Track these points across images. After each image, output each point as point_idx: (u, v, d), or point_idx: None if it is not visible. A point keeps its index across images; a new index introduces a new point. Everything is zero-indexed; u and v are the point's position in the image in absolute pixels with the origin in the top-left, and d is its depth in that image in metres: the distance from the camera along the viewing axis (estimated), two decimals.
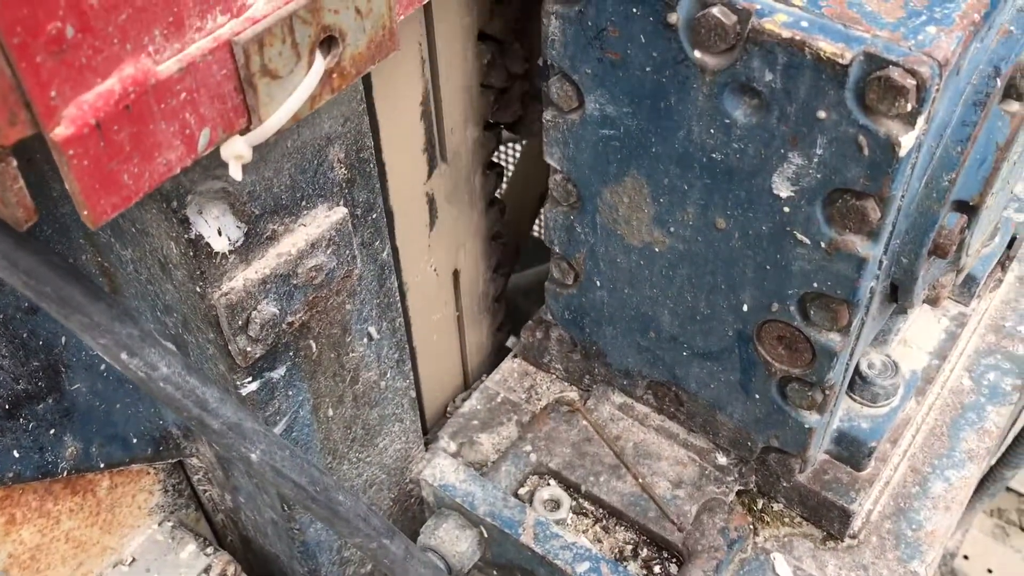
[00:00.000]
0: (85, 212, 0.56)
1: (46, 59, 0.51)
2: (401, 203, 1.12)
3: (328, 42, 0.65)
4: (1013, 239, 1.37)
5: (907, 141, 0.77)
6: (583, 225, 1.08)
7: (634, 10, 0.85)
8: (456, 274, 1.29)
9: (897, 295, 0.96)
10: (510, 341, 1.48)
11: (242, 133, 0.63)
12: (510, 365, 1.36)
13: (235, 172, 0.64)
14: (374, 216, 0.93)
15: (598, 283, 1.13)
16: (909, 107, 0.75)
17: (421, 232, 1.18)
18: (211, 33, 0.59)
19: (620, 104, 0.93)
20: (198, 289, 0.78)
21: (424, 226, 1.18)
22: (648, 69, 0.88)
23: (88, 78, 0.53)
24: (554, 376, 1.32)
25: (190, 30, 0.57)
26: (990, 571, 2.80)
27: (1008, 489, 2.79)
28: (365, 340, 1.01)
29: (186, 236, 0.74)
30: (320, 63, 0.65)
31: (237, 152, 0.63)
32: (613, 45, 0.89)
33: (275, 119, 0.63)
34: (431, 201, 1.17)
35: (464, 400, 1.34)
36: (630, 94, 0.91)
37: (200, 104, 0.59)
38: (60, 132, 0.53)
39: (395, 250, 1.14)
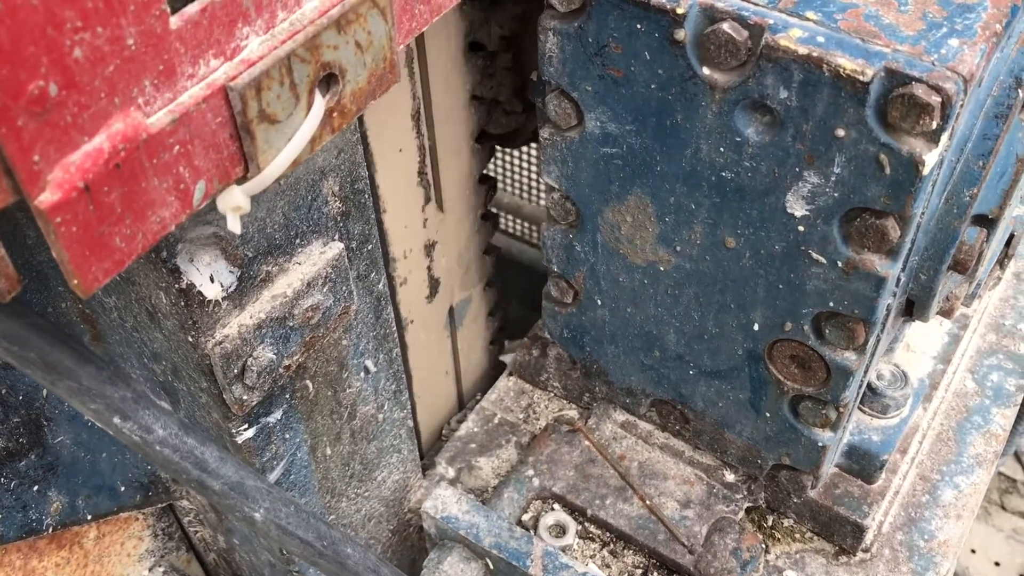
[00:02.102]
0: (75, 281, 0.51)
1: (28, 121, 0.46)
2: (395, 225, 1.07)
3: (327, 80, 0.61)
4: (1011, 237, 1.35)
5: (931, 159, 0.74)
6: (583, 244, 1.04)
7: (638, 26, 0.81)
8: (449, 290, 1.25)
9: (912, 310, 0.94)
10: (506, 359, 1.44)
11: (239, 182, 0.59)
12: (506, 384, 1.32)
13: (233, 225, 0.59)
14: (369, 247, 0.89)
15: (599, 302, 1.09)
16: (934, 125, 0.71)
17: (416, 252, 1.13)
18: (204, 79, 0.54)
19: (623, 122, 0.89)
20: (190, 339, 0.73)
21: (419, 246, 1.13)
22: (653, 86, 0.84)
23: (74, 138, 0.48)
24: (552, 394, 1.29)
25: (182, 77, 0.53)
26: (973, 551, 2.82)
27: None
28: (362, 374, 0.96)
29: (177, 286, 0.69)
30: (320, 103, 0.60)
31: (235, 204, 0.58)
32: (615, 62, 0.85)
33: (275, 166, 0.58)
34: (425, 221, 1.12)
35: (460, 422, 1.30)
36: (634, 112, 0.87)
37: (194, 156, 0.55)
38: (45, 199, 0.48)
39: (390, 277, 1.10)
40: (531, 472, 1.17)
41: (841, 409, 0.98)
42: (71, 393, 0.63)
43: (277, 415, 0.86)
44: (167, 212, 0.55)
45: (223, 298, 0.73)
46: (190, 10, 0.52)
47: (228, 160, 0.57)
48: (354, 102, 0.64)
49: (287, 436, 0.89)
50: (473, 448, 1.25)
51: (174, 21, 0.51)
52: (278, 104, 0.57)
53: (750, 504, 1.15)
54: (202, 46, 0.53)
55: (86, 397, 0.63)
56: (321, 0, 0.59)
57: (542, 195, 1.93)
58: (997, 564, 2.77)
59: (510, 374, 1.33)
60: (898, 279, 0.85)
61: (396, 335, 0.99)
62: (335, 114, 0.62)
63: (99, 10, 0.47)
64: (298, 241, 0.79)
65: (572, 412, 1.26)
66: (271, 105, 0.57)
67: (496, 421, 1.27)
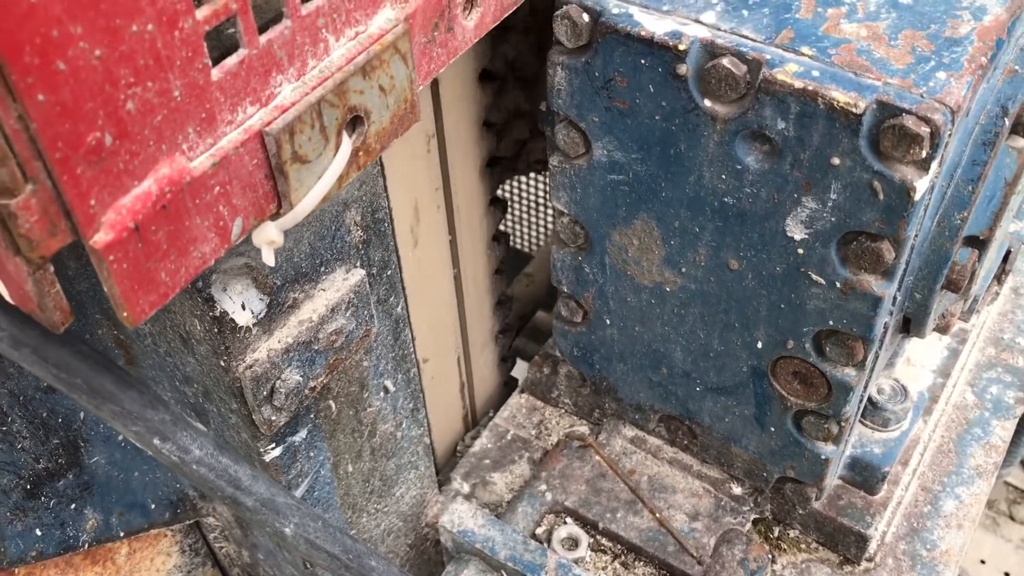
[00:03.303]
0: (124, 314, 0.55)
1: (85, 169, 0.50)
2: (409, 248, 1.12)
3: (354, 121, 0.65)
4: (1008, 252, 1.39)
5: (921, 185, 0.78)
6: (591, 266, 1.08)
7: (642, 61, 0.86)
8: (462, 312, 1.29)
9: (909, 327, 0.97)
10: (519, 374, 1.48)
11: (273, 218, 0.63)
12: (518, 400, 1.36)
13: (268, 258, 0.63)
14: (389, 272, 0.93)
15: (607, 321, 1.13)
16: (923, 153, 0.76)
17: (430, 274, 1.18)
18: (242, 125, 0.58)
19: (629, 151, 0.93)
20: (222, 363, 0.77)
21: (434, 269, 1.18)
22: (657, 117, 0.89)
23: (125, 182, 0.53)
24: (563, 410, 1.33)
25: (222, 124, 0.57)
26: (983, 561, 2.83)
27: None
28: (382, 394, 1.00)
29: (211, 314, 0.73)
30: (347, 144, 0.64)
31: (269, 238, 0.62)
32: (621, 95, 0.89)
33: (306, 203, 0.63)
34: (440, 242, 1.17)
35: (474, 439, 1.33)
36: (639, 141, 0.92)
37: (233, 195, 0.59)
38: (100, 239, 0.52)
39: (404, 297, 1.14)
40: (544, 487, 1.21)
41: (843, 423, 1.02)
42: (114, 416, 0.67)
43: (302, 434, 0.90)
44: (207, 247, 0.59)
45: (253, 324, 0.77)
46: (229, 62, 0.56)
47: (263, 198, 0.62)
48: (378, 141, 0.68)
49: (311, 454, 0.93)
50: (487, 464, 1.28)
51: (215, 73, 0.55)
52: (309, 146, 0.62)
53: (757, 516, 1.19)
54: (240, 94, 0.58)
55: (128, 420, 0.67)
56: (348, 48, 0.64)
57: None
58: (1007, 574, 2.79)
59: (521, 391, 1.36)
60: (894, 298, 0.89)
61: (413, 356, 1.04)
62: (361, 153, 0.67)
63: (150, 67, 0.51)
64: (323, 269, 0.83)
65: (583, 428, 1.30)
66: (303, 147, 0.61)
67: (509, 437, 1.31)
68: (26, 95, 0.46)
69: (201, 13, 0.53)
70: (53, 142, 0.48)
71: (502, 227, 1.32)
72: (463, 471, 1.28)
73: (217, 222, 0.59)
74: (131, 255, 0.54)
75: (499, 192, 1.27)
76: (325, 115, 0.62)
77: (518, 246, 2.33)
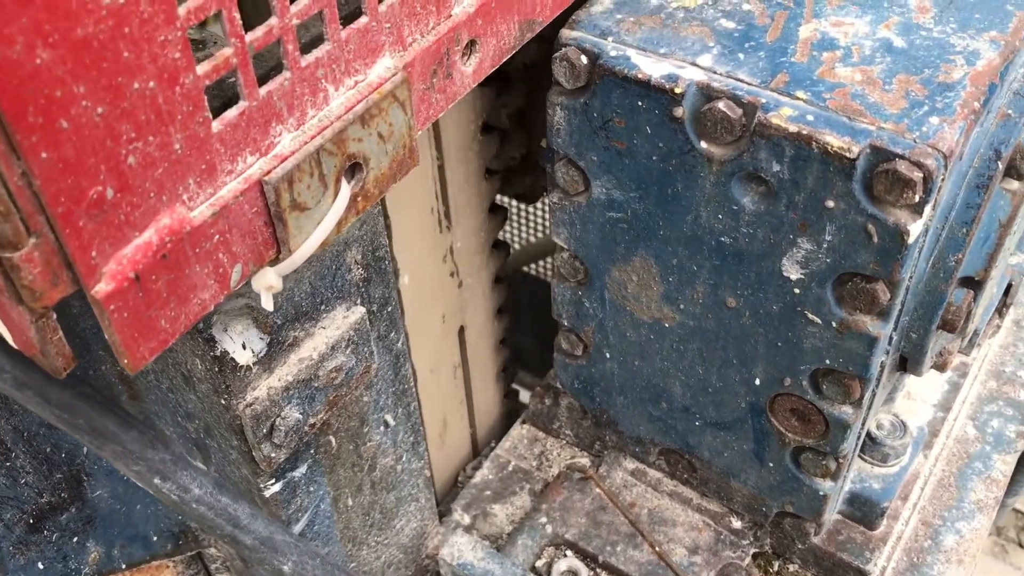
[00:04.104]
0: (125, 361, 0.56)
1: (87, 222, 0.51)
2: (412, 289, 1.13)
3: (353, 168, 0.66)
4: (1009, 285, 1.39)
5: (915, 229, 0.79)
6: (591, 300, 1.09)
7: (639, 103, 0.87)
8: (464, 350, 1.30)
9: (906, 366, 0.98)
10: (525, 400, 1.49)
11: (272, 263, 0.64)
12: (519, 431, 1.36)
13: (267, 303, 0.65)
14: (389, 309, 0.94)
15: (607, 355, 1.14)
16: (917, 198, 0.76)
17: (433, 311, 1.19)
18: (241, 174, 0.60)
19: (627, 189, 0.94)
20: (223, 401, 0.78)
21: (437, 306, 1.19)
22: (655, 158, 0.90)
23: (126, 233, 0.54)
24: (564, 442, 1.33)
25: (222, 174, 0.58)
26: None
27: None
28: (382, 428, 1.01)
29: (211, 354, 0.74)
30: (346, 190, 0.66)
31: (268, 283, 0.64)
32: (619, 135, 0.91)
33: (305, 248, 0.64)
34: (442, 282, 1.18)
35: (475, 469, 1.34)
36: (637, 180, 0.93)
37: (232, 243, 0.60)
38: (101, 289, 0.53)
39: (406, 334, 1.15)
40: (544, 519, 1.21)
41: (840, 460, 1.02)
42: (116, 456, 0.68)
43: (302, 469, 0.91)
44: (207, 294, 0.60)
45: (254, 363, 0.78)
46: (230, 114, 0.58)
47: (262, 245, 0.63)
48: (377, 186, 0.69)
49: (311, 489, 0.93)
50: (488, 495, 1.29)
51: (215, 125, 0.57)
52: (308, 193, 0.63)
53: (756, 550, 1.19)
54: (240, 145, 0.59)
55: (129, 460, 0.68)
56: (347, 97, 0.65)
57: None
58: None
59: (523, 422, 1.37)
60: (890, 338, 0.90)
61: (413, 390, 1.04)
62: (359, 198, 0.68)
63: (151, 122, 0.52)
64: (323, 307, 0.84)
65: (584, 460, 1.30)
66: (302, 195, 0.62)
67: (510, 469, 1.32)
68: (30, 153, 0.47)
69: (202, 69, 0.54)
70: (56, 197, 0.49)
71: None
72: (464, 502, 1.28)
73: (216, 269, 0.60)
74: (132, 304, 0.55)
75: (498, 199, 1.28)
76: (324, 163, 0.63)
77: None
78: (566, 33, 0.90)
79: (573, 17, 0.91)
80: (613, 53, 0.87)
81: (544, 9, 0.83)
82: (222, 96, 0.61)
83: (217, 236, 0.59)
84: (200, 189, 0.57)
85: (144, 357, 0.58)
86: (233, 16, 0.55)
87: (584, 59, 0.88)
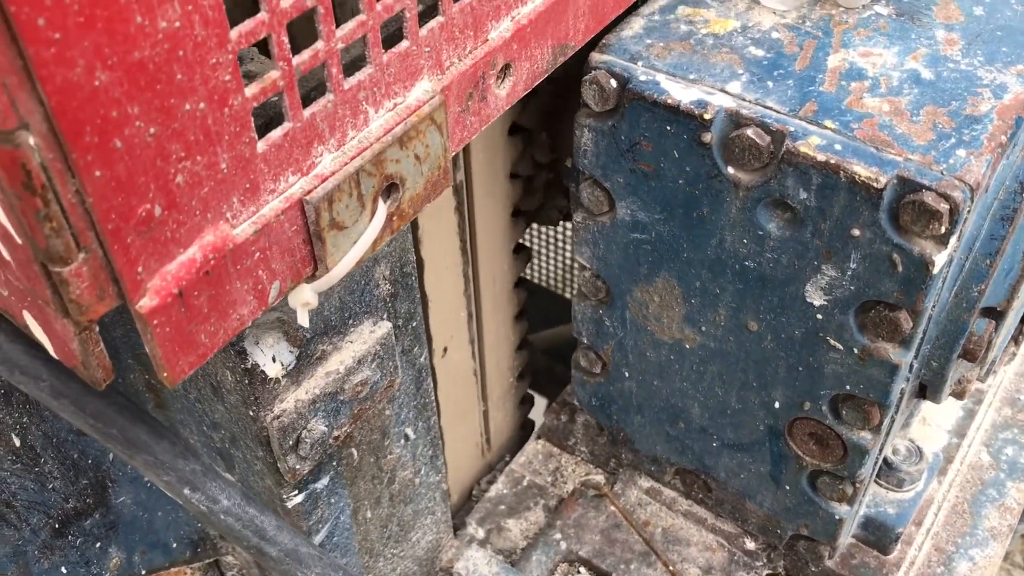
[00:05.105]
0: (165, 374, 0.57)
1: (135, 239, 0.52)
2: (436, 297, 1.14)
3: (389, 188, 0.67)
4: None
5: (940, 259, 0.79)
6: (612, 319, 1.10)
7: (668, 128, 0.88)
8: (481, 358, 1.31)
9: (926, 393, 0.99)
10: (538, 424, 1.49)
11: (308, 280, 0.65)
12: (534, 447, 1.37)
13: (303, 319, 0.66)
14: (414, 324, 0.95)
15: (626, 374, 1.14)
16: (943, 229, 0.77)
17: (457, 323, 1.20)
18: (283, 193, 0.61)
19: (652, 211, 0.95)
20: (251, 413, 0.79)
21: (459, 319, 1.20)
22: (681, 181, 0.91)
23: (172, 250, 0.55)
24: (579, 458, 1.34)
25: (264, 193, 0.59)
26: None
27: None
28: (402, 441, 1.02)
29: (242, 366, 0.75)
30: (382, 210, 0.67)
31: (304, 300, 0.65)
32: (646, 158, 0.91)
33: (341, 267, 0.65)
34: (464, 291, 1.19)
35: (490, 483, 1.35)
36: (662, 203, 0.94)
37: (272, 260, 0.61)
38: (145, 304, 0.54)
39: (430, 344, 1.16)
40: (559, 535, 1.22)
41: (857, 484, 1.03)
42: (147, 466, 0.69)
43: (324, 481, 0.92)
44: (246, 309, 0.61)
45: (283, 376, 0.79)
46: (274, 135, 0.59)
47: (300, 262, 0.64)
48: (411, 206, 0.70)
49: (332, 501, 0.94)
50: (502, 510, 1.30)
51: (260, 145, 0.58)
52: (346, 213, 0.64)
53: (770, 572, 1.19)
54: (283, 165, 0.60)
55: (160, 470, 0.69)
56: (386, 119, 0.66)
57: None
58: None
59: (538, 437, 1.38)
60: (911, 366, 0.90)
61: (434, 404, 1.05)
62: (395, 218, 0.69)
63: (200, 142, 0.53)
64: (351, 321, 0.85)
65: (599, 477, 1.31)
66: (340, 214, 0.63)
67: (525, 484, 1.32)
68: (84, 171, 0.48)
69: (250, 91, 0.55)
70: (107, 214, 0.50)
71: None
72: (478, 516, 1.29)
73: (256, 285, 0.61)
74: (174, 319, 0.56)
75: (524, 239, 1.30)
76: (363, 184, 0.64)
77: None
78: (596, 56, 0.91)
79: (603, 41, 0.92)
80: (643, 78, 0.88)
81: (576, 34, 0.84)
82: (264, 116, 0.62)
83: (258, 253, 0.60)
84: (243, 207, 0.58)
85: (183, 371, 0.59)
86: (282, 40, 0.56)
87: (614, 83, 0.89)
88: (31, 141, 0.46)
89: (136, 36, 0.47)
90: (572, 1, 0.81)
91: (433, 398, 1.05)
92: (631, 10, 0.95)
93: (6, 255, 0.54)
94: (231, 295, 0.59)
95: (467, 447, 1.38)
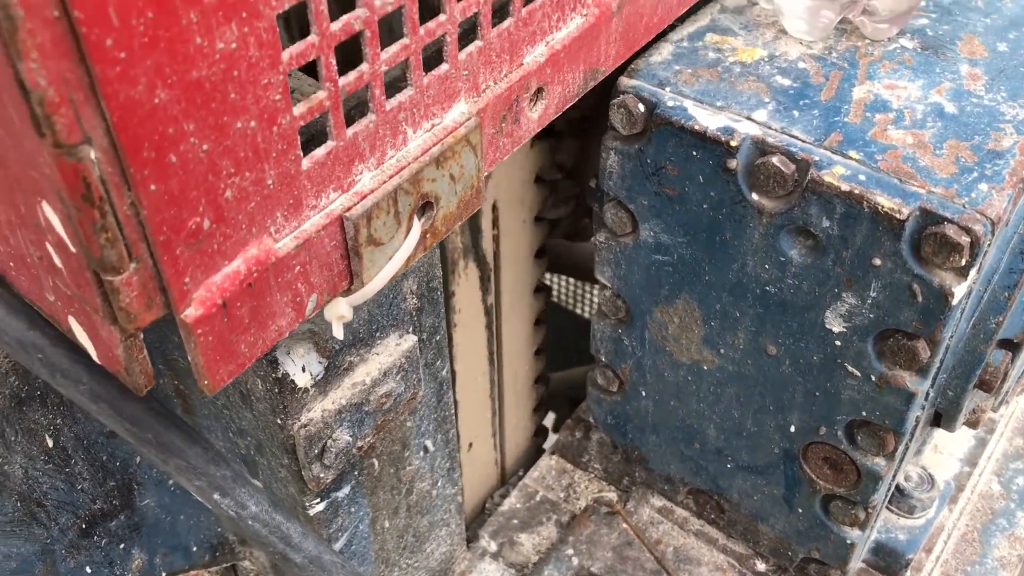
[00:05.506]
0: (206, 382, 0.59)
1: (184, 251, 0.54)
2: (461, 320, 1.16)
3: (424, 207, 0.69)
4: None
5: (959, 291, 0.81)
6: (631, 339, 1.11)
7: (694, 153, 0.89)
8: (500, 382, 1.33)
9: (940, 421, 1.00)
10: (548, 444, 1.51)
11: (344, 294, 0.67)
12: (548, 462, 1.38)
13: (337, 332, 0.67)
14: (438, 338, 0.97)
15: (643, 393, 1.16)
16: (963, 261, 0.78)
17: (479, 345, 1.22)
18: (324, 209, 0.62)
19: (675, 234, 0.97)
20: (279, 421, 0.81)
21: (481, 341, 1.22)
22: (705, 206, 0.92)
23: (217, 262, 0.57)
24: (592, 475, 1.35)
25: (307, 208, 0.61)
26: None
27: None
28: (421, 453, 1.04)
29: (273, 375, 0.77)
30: (417, 228, 0.68)
31: (340, 313, 0.66)
32: (671, 182, 0.93)
33: (376, 281, 0.67)
34: (487, 319, 1.21)
35: (503, 497, 1.36)
36: (686, 226, 0.95)
37: (311, 274, 0.63)
38: (190, 313, 0.56)
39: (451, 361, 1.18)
40: (571, 551, 1.23)
41: (870, 510, 1.04)
42: (179, 470, 0.70)
43: (345, 490, 0.93)
44: (284, 321, 0.63)
45: (311, 386, 0.81)
46: (318, 153, 0.60)
47: (337, 276, 0.65)
48: (444, 224, 0.72)
49: (352, 510, 0.96)
50: (515, 524, 1.31)
51: (305, 162, 0.59)
52: (383, 229, 0.66)
53: None
54: (325, 182, 0.62)
55: (192, 475, 0.71)
56: (423, 139, 0.68)
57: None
58: None
59: (552, 453, 1.39)
60: (927, 394, 0.92)
61: (454, 417, 1.07)
62: (428, 235, 0.71)
63: (249, 158, 0.55)
64: (378, 334, 0.86)
65: (611, 494, 1.32)
66: (378, 231, 0.65)
67: (538, 499, 1.34)
68: (140, 185, 0.50)
69: (298, 110, 0.57)
70: (159, 226, 0.52)
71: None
72: (491, 529, 1.30)
73: (295, 298, 0.63)
74: (217, 329, 0.58)
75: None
76: (400, 201, 0.66)
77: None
78: (625, 81, 0.93)
79: (632, 66, 0.94)
80: (671, 103, 0.90)
81: (607, 59, 0.86)
82: (306, 133, 0.64)
83: (298, 267, 0.62)
84: (286, 222, 0.60)
85: (223, 380, 0.60)
86: (330, 62, 0.57)
87: (642, 107, 0.91)
88: (92, 155, 0.48)
89: (195, 56, 0.49)
90: (605, 28, 0.82)
91: (453, 411, 1.06)
92: (660, 36, 0.97)
93: (58, 262, 0.56)
94: (271, 307, 0.61)
95: (481, 459, 1.39)
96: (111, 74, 0.46)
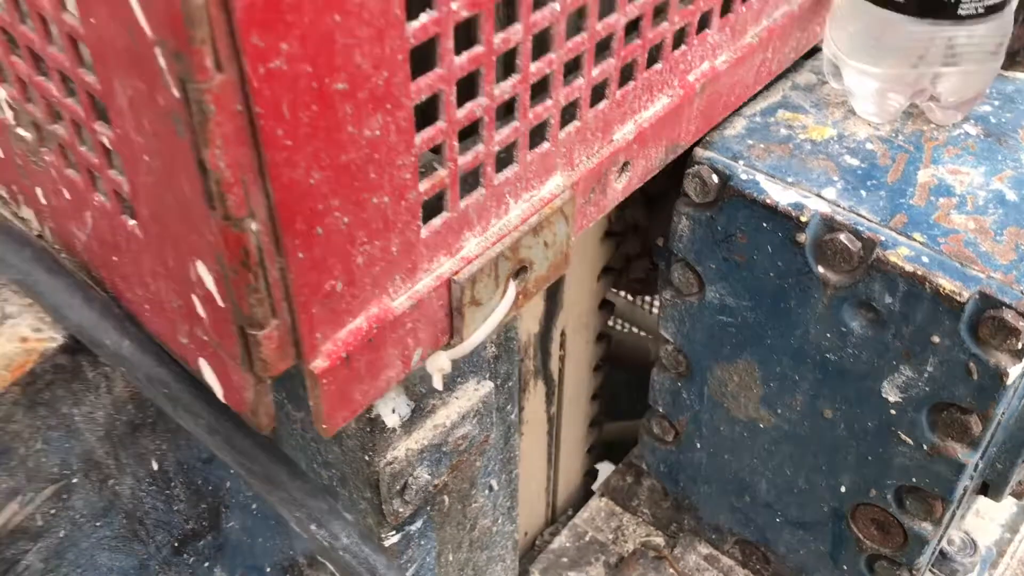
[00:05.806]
0: (324, 426, 0.65)
1: (319, 310, 0.60)
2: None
3: (519, 270, 0.75)
4: None
5: (1014, 372, 0.85)
6: (690, 393, 1.16)
7: (764, 224, 0.95)
8: (558, 427, 1.38)
9: (987, 491, 1.04)
10: (596, 485, 1.55)
11: (445, 348, 0.73)
12: (597, 504, 1.43)
13: (437, 383, 0.73)
14: (510, 384, 1.03)
15: (698, 445, 1.21)
16: (1020, 345, 0.83)
17: (538, 391, 1.27)
18: (434, 272, 0.69)
19: (740, 298, 1.02)
20: (366, 457, 0.87)
21: (542, 390, 1.27)
22: (772, 274, 0.97)
23: (344, 319, 0.63)
24: (641, 519, 1.40)
25: (420, 272, 0.67)
26: None
27: None
28: (487, 492, 1.09)
29: (367, 416, 0.83)
30: (513, 289, 0.74)
31: (440, 366, 0.72)
32: (740, 250, 0.98)
33: (475, 338, 0.73)
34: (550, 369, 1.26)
35: (553, 535, 1.41)
36: (752, 292, 1.01)
37: (419, 330, 0.69)
38: (318, 364, 0.62)
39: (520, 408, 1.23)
40: None
41: (914, 572, 1.07)
42: (282, 502, 0.76)
43: (418, 524, 0.99)
44: (392, 372, 0.69)
45: (399, 427, 0.87)
46: (435, 222, 0.67)
47: (440, 332, 0.72)
48: (535, 286, 0.78)
49: (422, 543, 1.01)
50: (564, 562, 1.36)
51: (423, 232, 0.66)
52: (484, 291, 0.72)
53: None
54: (438, 248, 0.68)
55: (293, 506, 0.77)
56: (523, 209, 0.74)
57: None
58: None
59: (602, 495, 1.44)
60: (976, 465, 0.96)
61: (518, 458, 1.12)
62: (521, 296, 0.77)
63: (379, 229, 0.61)
64: (459, 380, 0.92)
65: (659, 539, 1.36)
66: (480, 292, 0.71)
67: (587, 539, 1.38)
68: (290, 253, 0.56)
69: (423, 186, 0.63)
70: (301, 288, 0.58)
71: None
72: (541, 566, 1.35)
73: (404, 352, 0.69)
74: (339, 379, 0.64)
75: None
76: (500, 266, 0.72)
77: None
78: (700, 152, 0.99)
79: (707, 138, 1.00)
80: (744, 176, 0.96)
81: (687, 135, 0.92)
82: (424, 206, 0.70)
83: (409, 324, 0.68)
84: (403, 284, 0.66)
85: (338, 424, 0.66)
86: (453, 144, 0.64)
87: (715, 178, 0.97)
88: (253, 227, 0.54)
89: (346, 142, 0.56)
90: (688, 107, 0.88)
91: (518, 453, 1.12)
92: (734, 111, 1.02)
93: (202, 313, 0.63)
94: (384, 360, 0.67)
95: (534, 497, 1.45)
96: (278, 159, 0.52)
